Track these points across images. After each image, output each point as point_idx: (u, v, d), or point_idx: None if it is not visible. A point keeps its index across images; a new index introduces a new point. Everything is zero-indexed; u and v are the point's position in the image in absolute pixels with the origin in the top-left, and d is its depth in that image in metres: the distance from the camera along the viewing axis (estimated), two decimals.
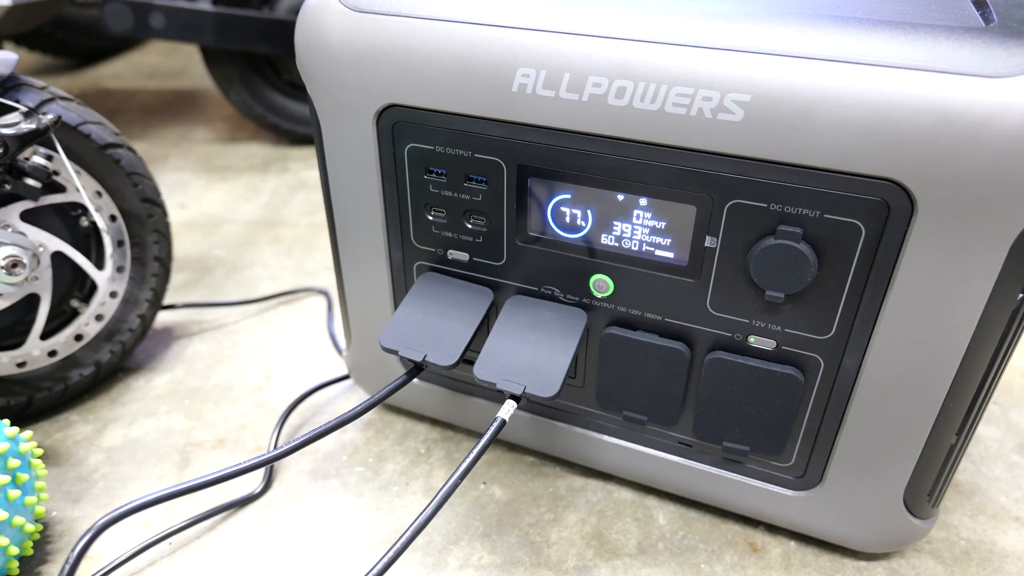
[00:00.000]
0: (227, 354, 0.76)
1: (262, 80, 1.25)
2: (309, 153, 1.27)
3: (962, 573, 0.54)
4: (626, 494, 0.60)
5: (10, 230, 0.60)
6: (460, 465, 0.47)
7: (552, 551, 0.55)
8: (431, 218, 0.53)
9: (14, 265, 0.57)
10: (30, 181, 0.60)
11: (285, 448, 0.50)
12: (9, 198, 0.61)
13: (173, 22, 1.17)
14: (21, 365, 0.64)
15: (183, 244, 0.98)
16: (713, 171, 0.42)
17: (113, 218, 0.67)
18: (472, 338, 0.52)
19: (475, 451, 0.47)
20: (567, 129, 0.45)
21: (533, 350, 0.50)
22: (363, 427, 0.67)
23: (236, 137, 1.34)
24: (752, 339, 0.47)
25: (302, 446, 0.51)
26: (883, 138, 0.37)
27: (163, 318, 0.82)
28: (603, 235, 0.48)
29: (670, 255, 0.47)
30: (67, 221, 0.65)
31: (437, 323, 0.53)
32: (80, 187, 0.62)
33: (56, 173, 0.62)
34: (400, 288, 0.58)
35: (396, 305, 0.59)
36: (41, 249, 0.62)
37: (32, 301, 0.64)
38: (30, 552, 0.52)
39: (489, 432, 0.48)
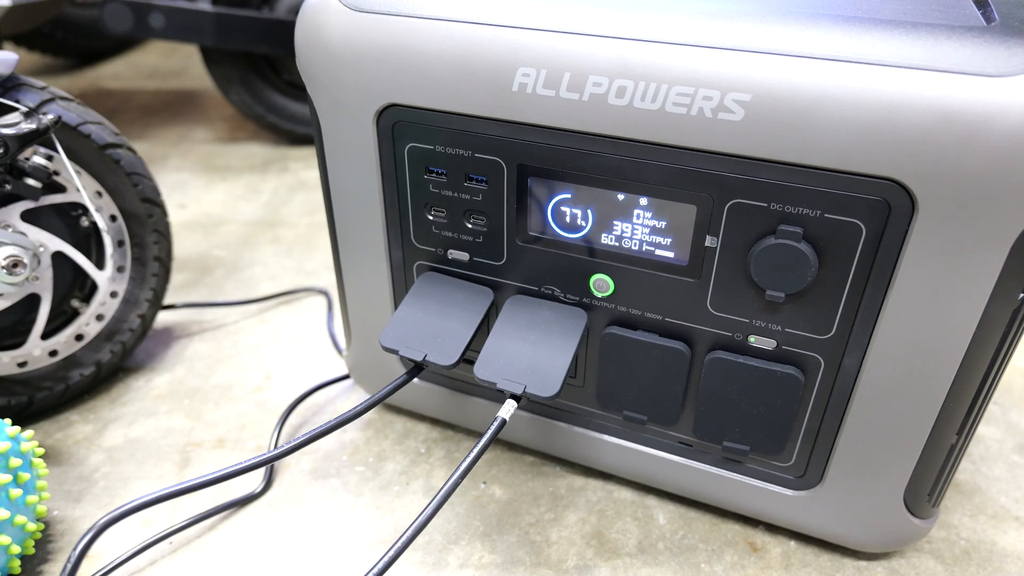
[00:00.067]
0: (227, 354, 0.76)
1: (262, 80, 1.25)
2: (309, 153, 1.27)
3: (962, 573, 0.54)
4: (626, 494, 0.60)
5: (11, 230, 0.60)
6: (460, 465, 0.47)
7: (552, 550, 0.55)
8: (431, 218, 0.53)
9: (15, 265, 0.57)
10: (30, 181, 0.60)
11: (285, 448, 0.50)
12: (9, 198, 0.61)
13: (173, 22, 1.17)
14: (22, 365, 0.64)
15: (183, 244, 0.98)
16: (713, 171, 0.42)
17: (113, 218, 0.67)
18: (472, 338, 0.52)
19: (475, 451, 0.47)
20: (567, 129, 0.45)
21: (533, 350, 0.50)
22: (363, 427, 0.67)
23: (236, 137, 1.34)
24: (752, 339, 0.47)
25: (302, 446, 0.51)
26: (884, 137, 0.37)
27: (163, 318, 0.82)
28: (603, 235, 0.48)
29: (670, 255, 0.47)
30: (67, 221, 0.65)
31: (437, 323, 0.53)
32: (80, 187, 0.62)
33: (56, 173, 0.62)
34: (400, 288, 0.58)
35: (396, 305, 0.59)
36: (42, 249, 0.62)
37: (33, 301, 0.64)
38: (32, 551, 0.52)
39: (489, 432, 0.48)
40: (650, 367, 0.51)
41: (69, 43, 1.64)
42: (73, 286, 0.67)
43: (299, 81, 1.28)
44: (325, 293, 0.86)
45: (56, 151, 0.62)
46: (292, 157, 1.25)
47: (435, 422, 0.68)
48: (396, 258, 0.56)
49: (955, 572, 0.54)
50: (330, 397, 0.71)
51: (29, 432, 0.53)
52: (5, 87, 0.60)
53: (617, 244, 0.48)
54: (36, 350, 0.65)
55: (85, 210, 0.66)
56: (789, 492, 0.53)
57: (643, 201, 0.46)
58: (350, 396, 0.71)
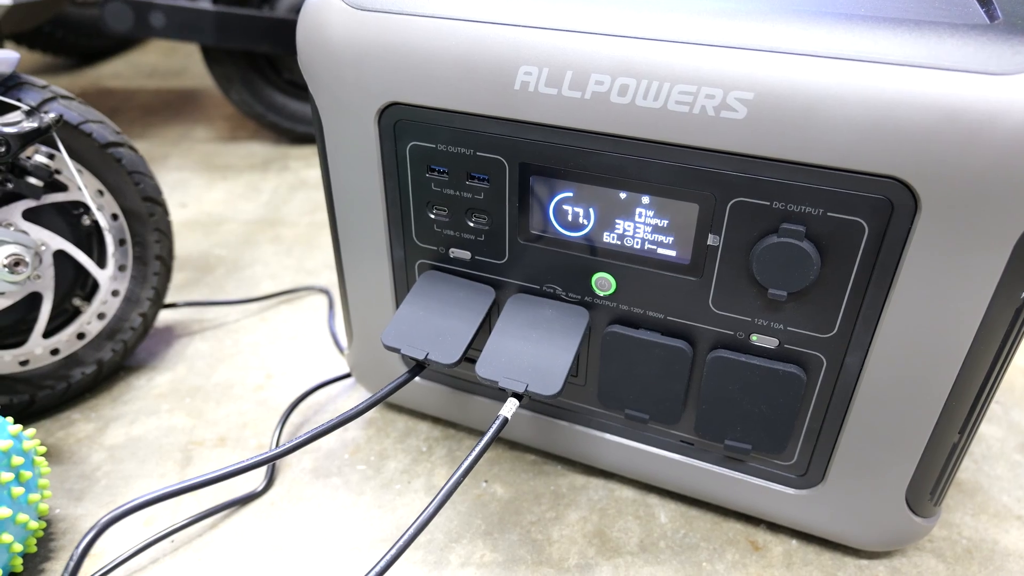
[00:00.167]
0: (228, 353, 0.76)
1: (262, 79, 1.25)
2: (309, 152, 1.27)
3: (964, 572, 0.54)
4: (628, 492, 0.60)
5: (12, 229, 0.60)
6: (462, 463, 0.47)
7: (554, 549, 0.55)
8: (433, 216, 0.53)
9: (16, 264, 0.57)
10: (32, 180, 0.60)
11: (287, 446, 0.50)
12: (11, 197, 0.61)
13: (173, 21, 1.17)
14: (24, 363, 0.64)
15: (184, 243, 0.98)
16: (716, 169, 0.42)
17: (115, 217, 0.67)
18: (474, 336, 0.52)
19: (477, 449, 0.47)
20: (569, 127, 0.45)
21: (535, 348, 0.50)
22: (365, 425, 0.67)
23: (236, 136, 1.34)
24: (754, 337, 0.47)
25: (304, 444, 0.51)
26: (887, 136, 0.37)
27: (164, 317, 0.82)
28: (605, 233, 0.48)
29: (672, 253, 0.47)
30: (69, 220, 0.65)
31: (439, 321, 0.53)
32: (82, 186, 0.62)
33: (58, 172, 0.62)
34: (402, 286, 0.58)
35: (398, 303, 0.59)
36: (43, 248, 0.62)
37: (34, 300, 0.64)
38: (34, 549, 0.52)
39: (491, 430, 0.48)
40: (652, 366, 0.51)
41: (70, 42, 1.64)
42: (75, 285, 0.67)
43: (300, 80, 1.28)
44: (326, 292, 0.86)
45: (58, 150, 0.62)
46: (293, 156, 1.25)
47: (436, 421, 0.68)
48: (398, 257, 0.56)
49: (957, 571, 0.54)
50: (331, 396, 0.71)
51: (31, 430, 0.53)
52: (6, 86, 0.60)
53: (619, 243, 0.48)
54: (38, 349, 0.65)
55: (87, 209, 0.66)
56: (791, 491, 0.53)
57: (645, 200, 0.46)
58: (351, 395, 0.71)
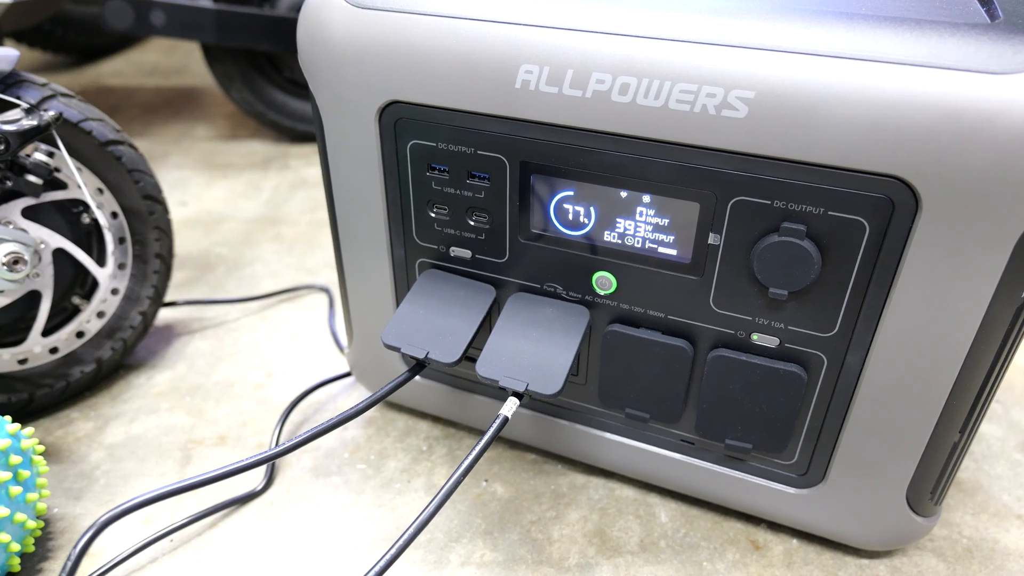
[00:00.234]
0: (228, 351, 0.76)
1: (263, 77, 1.25)
2: (310, 151, 1.27)
3: (964, 571, 0.54)
4: (628, 492, 0.60)
5: (11, 227, 0.60)
6: (462, 463, 0.47)
7: (554, 548, 0.55)
8: (433, 215, 0.53)
9: (15, 262, 0.57)
10: (31, 178, 0.60)
11: (286, 445, 0.50)
12: (10, 195, 0.61)
13: (174, 19, 1.17)
14: (23, 362, 0.64)
15: (184, 241, 0.98)
16: (717, 168, 0.42)
17: (114, 215, 0.67)
18: (474, 335, 0.52)
19: (477, 448, 0.47)
20: (570, 126, 0.45)
21: (535, 347, 0.50)
22: (364, 424, 0.67)
23: (237, 135, 1.33)
24: (755, 336, 0.47)
25: (303, 443, 0.51)
26: (888, 135, 0.37)
27: (164, 315, 0.82)
28: (606, 232, 0.48)
29: (673, 252, 0.47)
30: (68, 218, 0.65)
31: (439, 320, 0.53)
32: (81, 184, 0.62)
33: (57, 170, 0.62)
34: (402, 285, 0.58)
35: (398, 302, 0.59)
36: (42, 246, 0.62)
37: (33, 298, 0.64)
38: (32, 549, 0.52)
39: (491, 429, 0.48)
40: (652, 365, 0.51)
41: (70, 40, 1.64)
42: (74, 283, 0.67)
43: (300, 78, 1.28)
44: (326, 291, 0.86)
45: (57, 147, 0.61)
46: (293, 155, 1.25)
47: (437, 420, 0.68)
48: (398, 255, 0.56)
49: (957, 570, 0.54)
50: (331, 395, 0.71)
51: (29, 429, 0.53)
52: (6, 83, 0.60)
53: (620, 241, 0.48)
54: (37, 347, 0.65)
55: (86, 207, 0.65)
56: (791, 490, 0.53)
57: (646, 198, 0.46)
58: (351, 394, 0.71)
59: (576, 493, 0.60)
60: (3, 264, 0.57)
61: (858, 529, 0.52)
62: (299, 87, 1.28)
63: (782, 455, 0.52)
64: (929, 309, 0.41)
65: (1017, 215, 0.37)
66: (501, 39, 0.44)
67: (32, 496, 0.50)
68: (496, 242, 0.52)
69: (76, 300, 0.67)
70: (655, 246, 0.47)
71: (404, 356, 0.60)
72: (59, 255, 0.65)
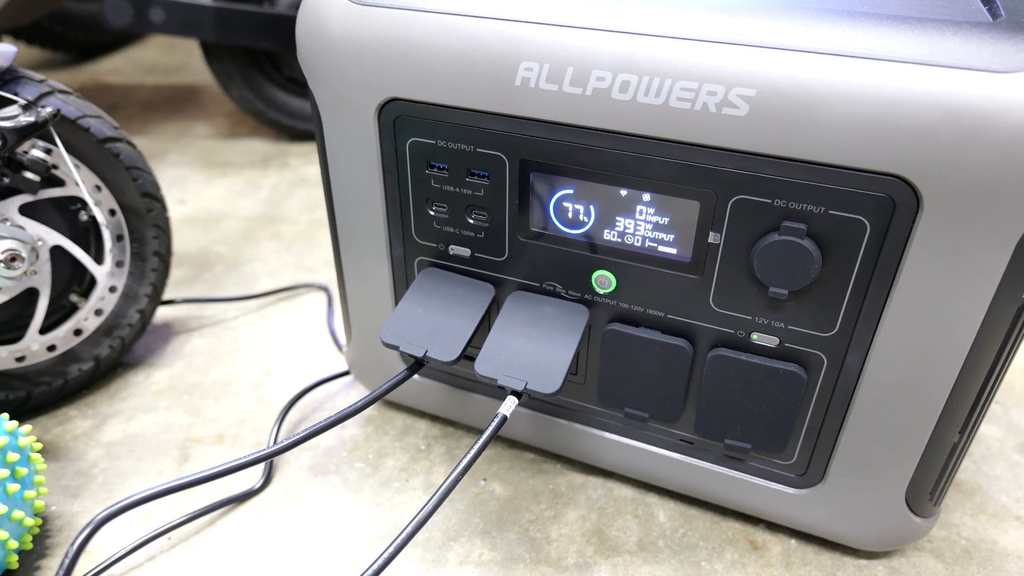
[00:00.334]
0: (226, 350, 0.76)
1: (262, 76, 1.25)
2: (309, 149, 1.27)
3: (963, 572, 0.54)
4: (627, 491, 0.60)
5: (9, 224, 0.59)
6: (460, 461, 0.47)
7: (552, 548, 0.55)
8: (432, 213, 0.53)
9: (13, 259, 0.57)
10: (29, 175, 0.59)
11: (285, 444, 0.50)
12: (8, 192, 0.61)
13: (173, 17, 1.17)
14: (20, 359, 0.64)
15: (183, 239, 0.97)
16: (717, 166, 0.42)
17: (112, 212, 0.66)
18: (473, 334, 0.52)
19: (476, 447, 0.47)
20: (570, 123, 0.44)
21: (535, 346, 0.50)
22: (363, 423, 0.67)
23: (236, 133, 1.33)
24: (755, 336, 0.47)
25: (302, 442, 0.51)
26: (889, 133, 0.37)
27: (162, 313, 0.82)
28: (606, 231, 0.48)
29: (673, 251, 0.47)
30: (66, 215, 0.65)
31: (438, 319, 0.53)
32: (79, 181, 0.62)
33: (55, 167, 0.62)
34: (401, 284, 0.57)
35: (397, 301, 0.59)
36: (40, 243, 0.62)
37: (31, 295, 0.64)
38: (29, 546, 0.52)
39: (490, 428, 0.48)
40: (652, 364, 0.50)
41: (68, 37, 1.64)
42: (72, 281, 0.67)
43: (299, 77, 1.28)
44: (325, 289, 0.86)
45: (55, 144, 0.61)
46: (292, 153, 1.25)
47: (435, 419, 0.68)
48: (397, 254, 0.56)
49: (956, 571, 0.54)
50: (330, 393, 0.71)
51: (27, 427, 0.53)
52: (4, 80, 0.60)
53: (619, 240, 0.48)
54: (34, 345, 0.64)
55: (84, 204, 0.65)
56: (790, 490, 0.53)
57: (646, 197, 0.45)
58: (350, 392, 0.71)
59: (575, 492, 0.60)
60: (0, 261, 0.56)
61: (857, 529, 0.52)
62: (298, 85, 1.28)
63: (781, 455, 0.52)
64: (930, 309, 0.41)
65: (1018, 215, 0.37)
66: (501, 36, 0.44)
67: (30, 494, 0.50)
68: (495, 240, 0.52)
69: (74, 298, 0.67)
70: (655, 245, 0.47)
71: (403, 355, 0.60)
72: (57, 252, 0.65)
